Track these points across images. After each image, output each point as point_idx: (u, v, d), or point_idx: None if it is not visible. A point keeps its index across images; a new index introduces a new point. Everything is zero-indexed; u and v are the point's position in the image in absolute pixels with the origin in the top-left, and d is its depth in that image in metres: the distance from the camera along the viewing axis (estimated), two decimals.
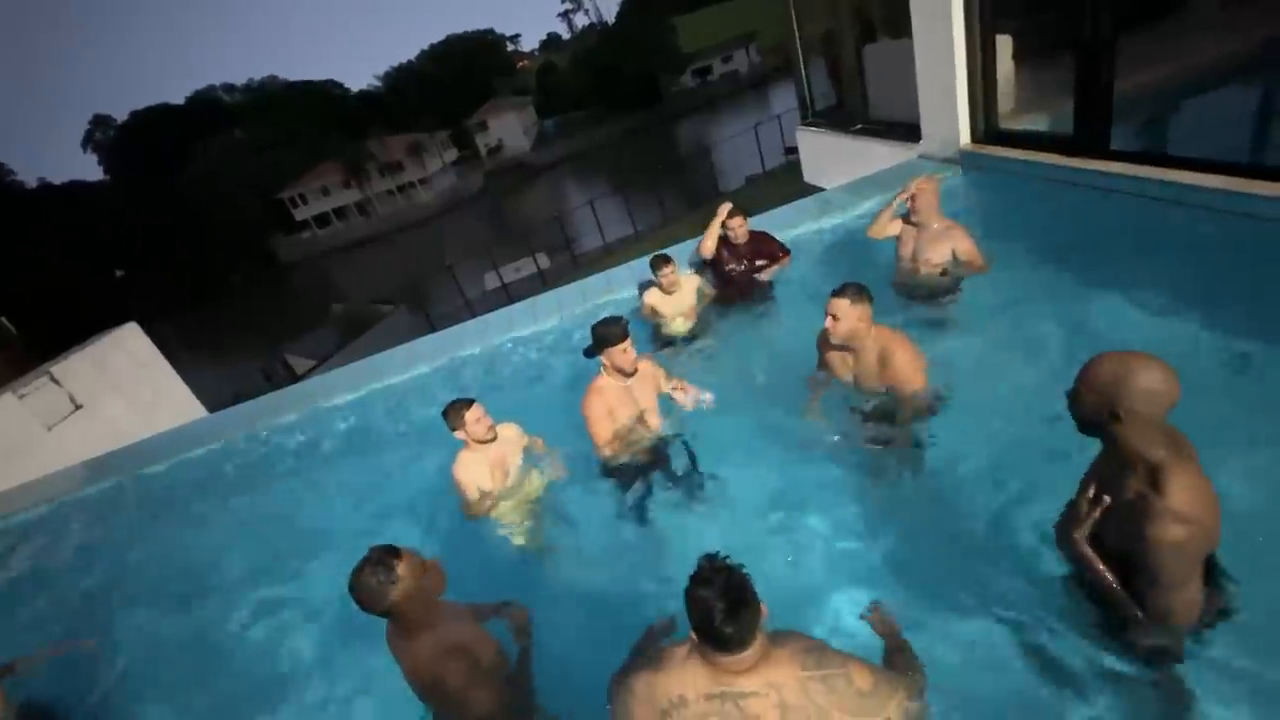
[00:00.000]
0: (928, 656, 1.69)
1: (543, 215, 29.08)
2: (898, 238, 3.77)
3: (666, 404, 3.20)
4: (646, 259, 5.62)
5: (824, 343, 2.74)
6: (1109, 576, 1.59)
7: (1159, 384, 1.38)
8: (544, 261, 21.02)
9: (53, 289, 39.07)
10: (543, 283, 19.08)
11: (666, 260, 4.20)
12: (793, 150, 21.51)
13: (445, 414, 2.84)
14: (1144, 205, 3.73)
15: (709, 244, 4.53)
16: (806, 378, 3.04)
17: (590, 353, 2.91)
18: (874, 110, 6.75)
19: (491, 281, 21.06)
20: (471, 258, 22.70)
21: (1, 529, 5.01)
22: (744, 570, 1.39)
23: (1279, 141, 3.74)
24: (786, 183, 15.60)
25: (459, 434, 2.84)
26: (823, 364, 2.84)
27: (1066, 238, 3.96)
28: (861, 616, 1.85)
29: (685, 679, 1.41)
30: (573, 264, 20.18)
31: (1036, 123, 4.73)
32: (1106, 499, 1.55)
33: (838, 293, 2.49)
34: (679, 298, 4.32)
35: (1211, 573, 1.58)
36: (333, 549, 3.58)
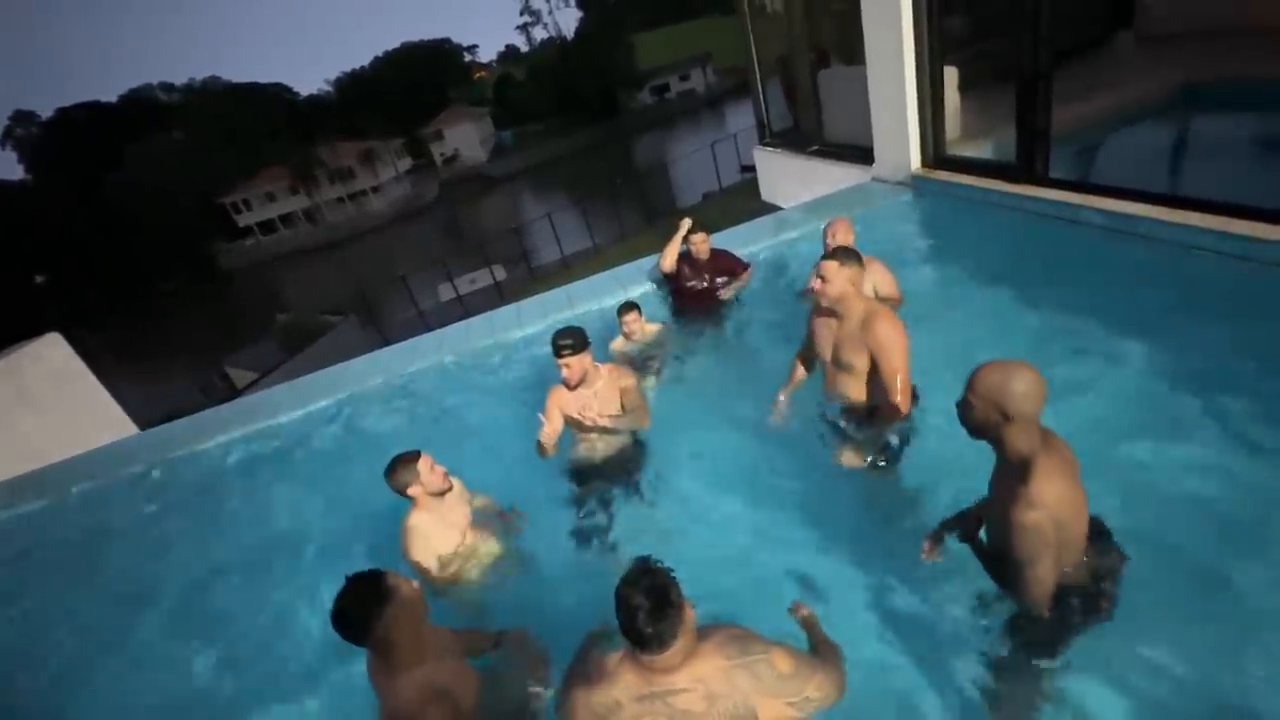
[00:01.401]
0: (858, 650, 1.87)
1: (499, 227, 28.75)
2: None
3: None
4: (606, 273, 5.66)
5: (814, 309, 2.75)
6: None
7: (1033, 385, 1.54)
8: (500, 273, 20.76)
9: None
10: (499, 295, 18.82)
11: (631, 306, 4.04)
12: (748, 168, 21.96)
13: (391, 473, 2.50)
14: (1083, 232, 3.95)
15: (669, 259, 4.55)
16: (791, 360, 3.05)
17: None
18: (829, 133, 6.98)
19: (446, 293, 20.64)
20: (425, 268, 22.19)
21: None
22: (672, 574, 1.44)
23: (1199, 174, 4.06)
24: (743, 200, 15.93)
25: (412, 490, 2.51)
26: (810, 340, 2.84)
27: (1008, 260, 4.16)
28: (789, 610, 1.93)
29: (618, 684, 1.48)
30: (530, 276, 20.00)
31: (982, 150, 4.97)
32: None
33: (827, 255, 2.51)
34: (644, 346, 4.18)
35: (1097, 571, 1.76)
36: (279, 579, 3.39)
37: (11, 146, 55.53)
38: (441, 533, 2.59)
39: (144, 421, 8.39)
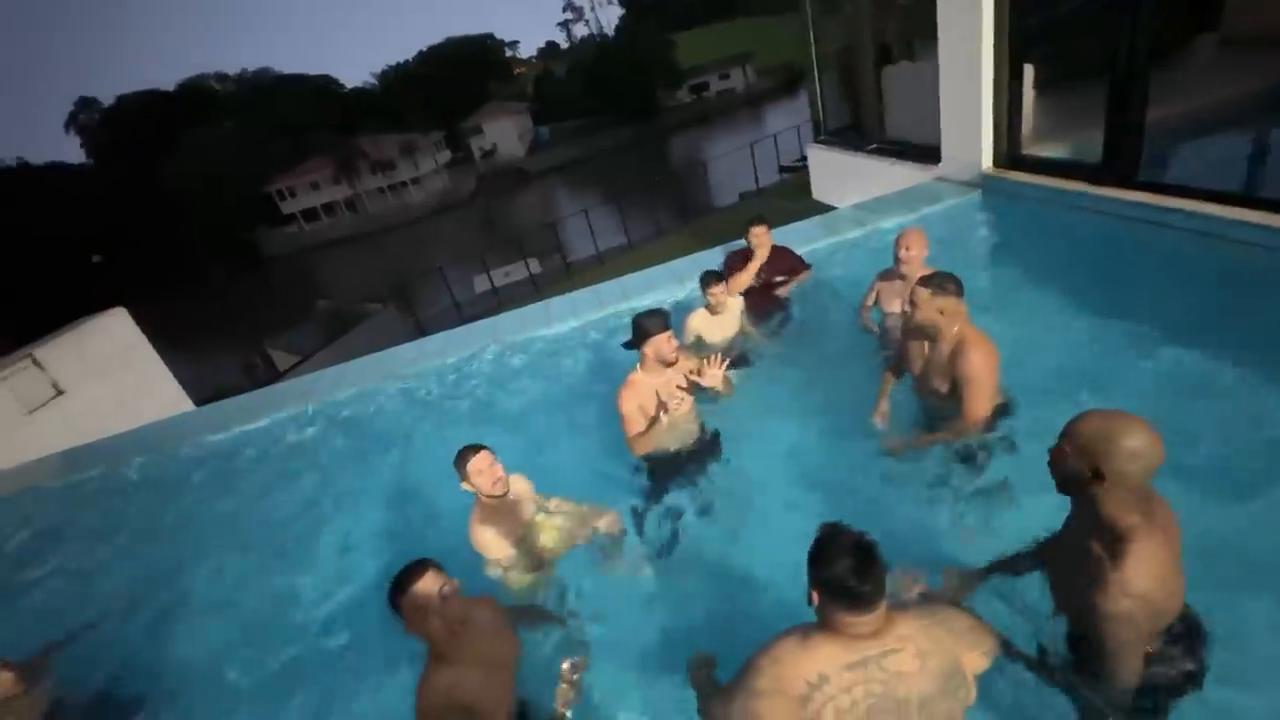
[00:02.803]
0: None
1: (535, 221, 29.01)
2: (878, 297, 3.66)
3: (704, 403, 3.12)
4: (660, 267, 5.61)
5: (905, 328, 2.70)
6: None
7: (1144, 445, 1.35)
8: (535, 267, 20.91)
9: (28, 272, 37.92)
10: (533, 288, 18.95)
11: (718, 277, 3.78)
12: (787, 169, 21.79)
13: (455, 463, 2.46)
14: (1173, 237, 3.75)
15: (740, 285, 4.29)
16: (882, 371, 2.99)
17: (631, 345, 2.82)
18: (891, 130, 6.81)
19: (481, 285, 20.89)
20: (461, 260, 22.53)
21: None
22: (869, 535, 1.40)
23: None
24: (782, 201, 15.72)
25: (465, 486, 2.45)
26: (901, 353, 2.78)
27: (1089, 265, 3.98)
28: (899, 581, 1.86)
29: (817, 657, 1.38)
30: (565, 271, 20.08)
31: (1061, 150, 4.78)
32: None
33: (923, 280, 2.45)
34: (725, 321, 3.98)
35: (1188, 637, 1.57)
36: (322, 559, 3.43)
37: (75, 131, 57.95)
38: (504, 529, 2.53)
39: (197, 398, 8.65)
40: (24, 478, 5.10)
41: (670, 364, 2.79)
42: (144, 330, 8.05)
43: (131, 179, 48.14)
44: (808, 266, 4.56)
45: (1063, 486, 1.52)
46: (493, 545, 2.50)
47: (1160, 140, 4.31)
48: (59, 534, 4.40)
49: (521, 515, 2.64)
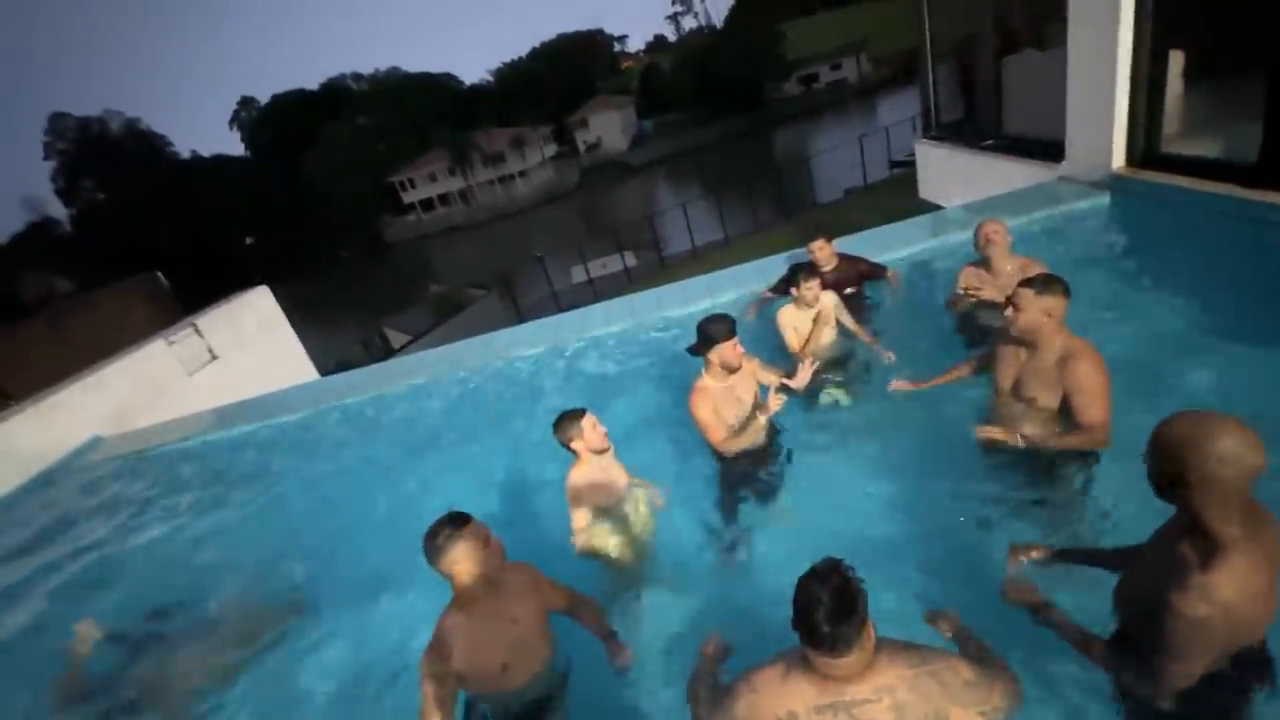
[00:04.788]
0: None
1: (633, 214, 29.42)
2: (967, 283, 3.42)
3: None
4: (749, 264, 5.57)
5: (1000, 336, 2.56)
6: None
7: (1237, 449, 1.24)
8: (631, 260, 21.24)
9: (196, 250, 43.68)
10: (628, 280, 19.29)
11: (811, 271, 3.50)
12: (898, 164, 20.64)
13: (558, 426, 2.66)
14: None
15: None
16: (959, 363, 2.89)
17: (695, 350, 2.84)
18: (1009, 126, 6.32)
19: (579, 275, 21.53)
20: (561, 251, 23.30)
21: (150, 457, 5.62)
22: (863, 582, 1.34)
23: None
24: (890, 198, 14.96)
25: (574, 445, 2.65)
26: (991, 358, 2.62)
27: (1238, 281, 3.51)
28: (929, 621, 1.80)
29: (791, 694, 1.38)
30: (660, 265, 20.26)
31: (1208, 148, 4.24)
32: None
33: (1025, 282, 2.32)
34: (819, 317, 3.66)
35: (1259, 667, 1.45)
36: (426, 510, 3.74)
37: (237, 127, 65.58)
38: (598, 490, 2.69)
39: (321, 369, 9.65)
40: (185, 428, 5.95)
41: (734, 370, 2.81)
42: (281, 306, 9.07)
43: (280, 170, 53.91)
44: (883, 272, 4.27)
45: (1157, 491, 1.43)
46: (585, 502, 2.64)
47: None
48: (214, 475, 5.11)
49: (616, 481, 2.77)
